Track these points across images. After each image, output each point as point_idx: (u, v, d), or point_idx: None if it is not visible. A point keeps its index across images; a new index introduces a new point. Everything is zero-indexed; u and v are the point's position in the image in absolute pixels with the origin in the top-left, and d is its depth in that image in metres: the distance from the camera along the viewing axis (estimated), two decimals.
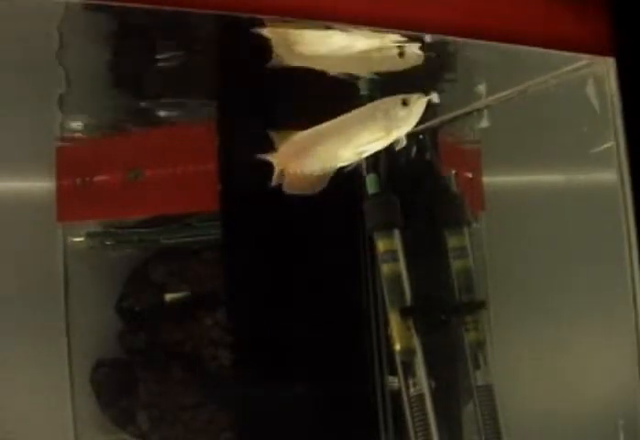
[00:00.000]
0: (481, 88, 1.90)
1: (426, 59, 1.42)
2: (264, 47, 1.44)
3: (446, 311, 1.85)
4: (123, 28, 2.01)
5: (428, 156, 1.89)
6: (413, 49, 1.36)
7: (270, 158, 1.37)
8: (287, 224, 1.80)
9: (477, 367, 1.83)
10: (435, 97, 1.35)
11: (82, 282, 2.02)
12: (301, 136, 1.39)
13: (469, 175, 2.08)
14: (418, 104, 1.35)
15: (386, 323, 1.73)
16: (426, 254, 1.82)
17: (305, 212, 1.78)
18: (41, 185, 1.98)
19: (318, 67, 1.40)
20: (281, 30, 1.35)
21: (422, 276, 1.74)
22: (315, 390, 1.76)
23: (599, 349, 1.86)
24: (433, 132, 1.90)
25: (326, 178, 1.38)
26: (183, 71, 2.01)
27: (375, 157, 1.73)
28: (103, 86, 2.04)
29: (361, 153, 1.39)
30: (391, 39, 1.38)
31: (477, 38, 1.42)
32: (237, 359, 1.86)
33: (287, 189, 1.38)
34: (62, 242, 2.02)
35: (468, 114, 1.94)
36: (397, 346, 1.69)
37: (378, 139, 1.36)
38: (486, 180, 2.10)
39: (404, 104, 1.35)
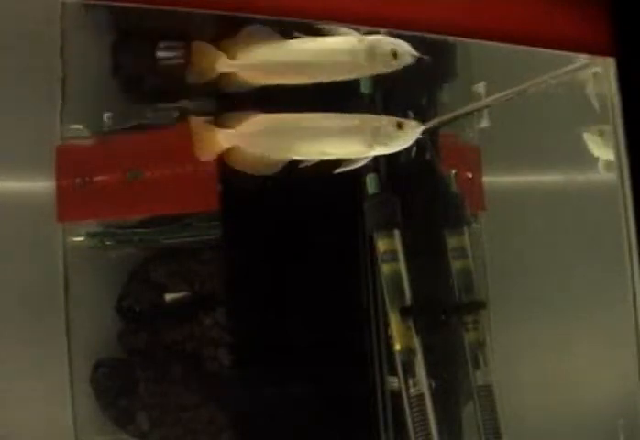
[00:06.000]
0: (481, 88, 1.90)
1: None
2: None
3: (446, 311, 1.85)
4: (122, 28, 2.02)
5: (428, 156, 1.89)
6: (405, 49, 1.35)
7: (219, 133, 1.36)
8: (287, 224, 1.80)
9: (477, 367, 1.83)
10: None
11: (82, 282, 2.02)
12: (265, 117, 1.38)
13: (469, 175, 2.08)
14: (413, 131, 1.35)
15: (386, 323, 1.73)
16: (426, 254, 1.82)
17: (305, 212, 1.79)
18: (41, 185, 1.98)
19: (283, 82, 1.38)
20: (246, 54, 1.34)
21: (422, 276, 1.74)
22: (315, 390, 1.76)
23: (599, 349, 1.86)
24: (433, 132, 1.90)
25: (277, 165, 1.37)
26: (183, 70, 2.01)
27: (375, 157, 1.73)
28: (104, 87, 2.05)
29: (324, 155, 1.38)
30: (380, 41, 1.36)
31: (477, 38, 1.42)
32: (237, 359, 1.86)
33: (235, 164, 1.37)
34: (62, 242, 2.02)
35: (468, 114, 1.94)
36: (397, 346, 1.69)
37: (355, 151, 1.37)
38: (486, 180, 2.10)
39: (399, 127, 1.35)
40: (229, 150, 1.37)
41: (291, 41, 1.33)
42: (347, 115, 1.39)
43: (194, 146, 1.38)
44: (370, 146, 1.35)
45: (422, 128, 1.36)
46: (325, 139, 1.37)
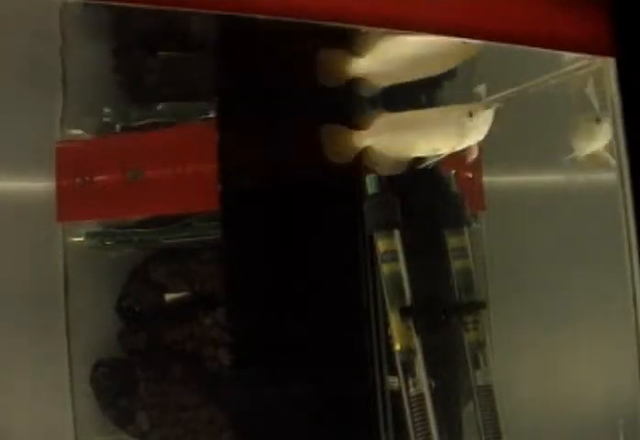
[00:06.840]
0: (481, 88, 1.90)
1: None
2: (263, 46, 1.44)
3: (446, 311, 1.85)
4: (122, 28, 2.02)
5: None
6: None
7: (354, 134, 1.36)
8: (287, 224, 1.80)
9: (477, 367, 1.83)
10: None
11: (82, 282, 2.02)
12: (390, 117, 1.38)
13: (469, 175, 2.08)
14: (483, 116, 1.33)
15: (386, 323, 1.73)
16: (426, 254, 1.82)
17: (305, 212, 1.79)
18: (41, 185, 1.98)
19: (401, 79, 1.39)
20: (370, 56, 1.34)
21: (422, 276, 1.74)
22: (315, 390, 1.76)
23: (599, 349, 1.86)
24: None
25: (404, 164, 1.36)
26: (183, 70, 2.01)
27: None
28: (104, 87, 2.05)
29: (436, 151, 1.37)
30: None
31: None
32: (237, 359, 1.86)
33: (370, 164, 1.37)
34: (62, 242, 2.02)
35: None
36: (397, 346, 1.69)
37: (451, 144, 1.35)
38: (486, 180, 2.10)
39: (470, 115, 1.33)
40: (363, 151, 1.37)
41: (405, 38, 1.34)
42: (437, 110, 1.38)
43: (328, 149, 1.37)
44: (460, 138, 1.34)
45: (491, 113, 1.33)
46: (433, 135, 1.36)
